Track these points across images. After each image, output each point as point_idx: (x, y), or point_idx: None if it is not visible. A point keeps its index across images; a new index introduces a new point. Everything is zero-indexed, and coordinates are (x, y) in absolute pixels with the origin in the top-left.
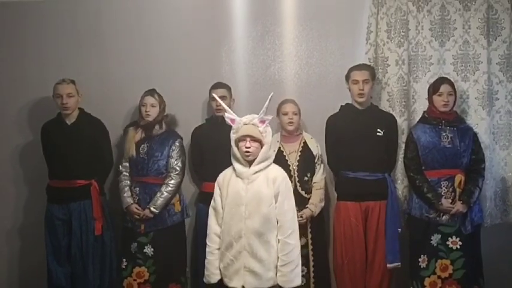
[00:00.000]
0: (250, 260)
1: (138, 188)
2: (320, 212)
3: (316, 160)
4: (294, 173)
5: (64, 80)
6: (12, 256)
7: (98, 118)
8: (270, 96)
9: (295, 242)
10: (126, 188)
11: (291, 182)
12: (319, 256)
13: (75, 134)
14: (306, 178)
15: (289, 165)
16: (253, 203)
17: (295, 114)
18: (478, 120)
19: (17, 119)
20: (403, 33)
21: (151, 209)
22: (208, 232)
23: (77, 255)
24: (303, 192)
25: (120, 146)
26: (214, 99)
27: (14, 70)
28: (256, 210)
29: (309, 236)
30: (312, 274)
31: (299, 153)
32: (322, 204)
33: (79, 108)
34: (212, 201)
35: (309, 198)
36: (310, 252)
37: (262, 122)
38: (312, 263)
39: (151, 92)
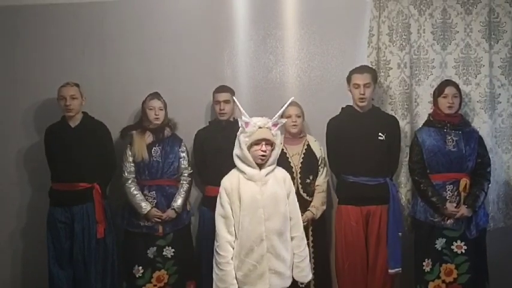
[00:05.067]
0: (275, 261)
1: (154, 192)
2: (321, 215)
3: (319, 163)
4: (297, 175)
5: (68, 83)
6: (15, 258)
7: (101, 121)
8: (290, 100)
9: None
10: (139, 194)
11: (293, 183)
12: (320, 258)
13: (78, 137)
14: (308, 180)
15: (292, 167)
16: (271, 204)
17: (299, 116)
18: (480, 123)
19: (21, 121)
20: (404, 37)
21: (176, 209)
22: (219, 242)
23: (79, 258)
24: (304, 195)
25: (122, 149)
26: (218, 102)
27: (19, 72)
28: (275, 211)
29: (310, 238)
30: (312, 276)
31: (302, 156)
32: (324, 207)
33: (83, 111)
34: (220, 209)
35: (310, 201)
36: (311, 255)
37: (275, 125)
38: (312, 265)
39: (157, 96)
